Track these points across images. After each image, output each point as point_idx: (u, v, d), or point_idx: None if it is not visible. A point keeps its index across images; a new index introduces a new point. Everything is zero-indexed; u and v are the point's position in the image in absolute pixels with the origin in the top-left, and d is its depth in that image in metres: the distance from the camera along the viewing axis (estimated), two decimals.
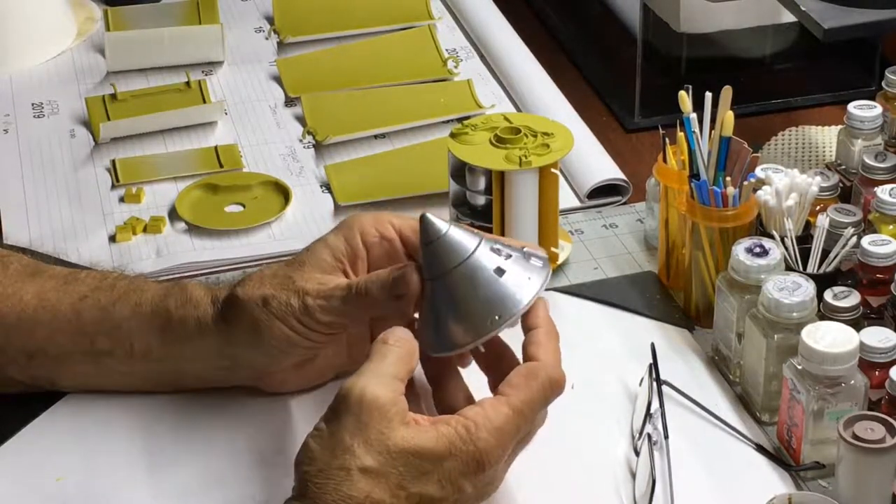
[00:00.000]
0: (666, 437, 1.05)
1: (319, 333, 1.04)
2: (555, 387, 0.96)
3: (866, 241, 1.11)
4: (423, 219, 0.99)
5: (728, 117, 1.15)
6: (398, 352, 0.94)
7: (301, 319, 1.02)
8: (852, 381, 1.01)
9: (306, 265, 1.04)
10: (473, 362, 1.04)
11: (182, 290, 1.08)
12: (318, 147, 1.46)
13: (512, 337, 1.01)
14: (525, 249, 1.00)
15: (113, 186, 1.40)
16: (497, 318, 0.97)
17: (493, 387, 1.01)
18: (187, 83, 1.55)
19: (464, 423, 0.92)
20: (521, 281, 0.98)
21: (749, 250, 1.09)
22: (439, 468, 0.91)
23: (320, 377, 1.10)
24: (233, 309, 1.05)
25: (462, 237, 0.99)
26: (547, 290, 1.23)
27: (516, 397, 0.94)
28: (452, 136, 1.23)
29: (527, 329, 0.99)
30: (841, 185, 1.24)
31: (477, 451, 0.92)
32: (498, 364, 1.01)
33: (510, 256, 0.99)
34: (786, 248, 1.12)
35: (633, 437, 1.07)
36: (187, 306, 1.07)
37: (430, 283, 0.99)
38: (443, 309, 0.98)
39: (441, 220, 0.99)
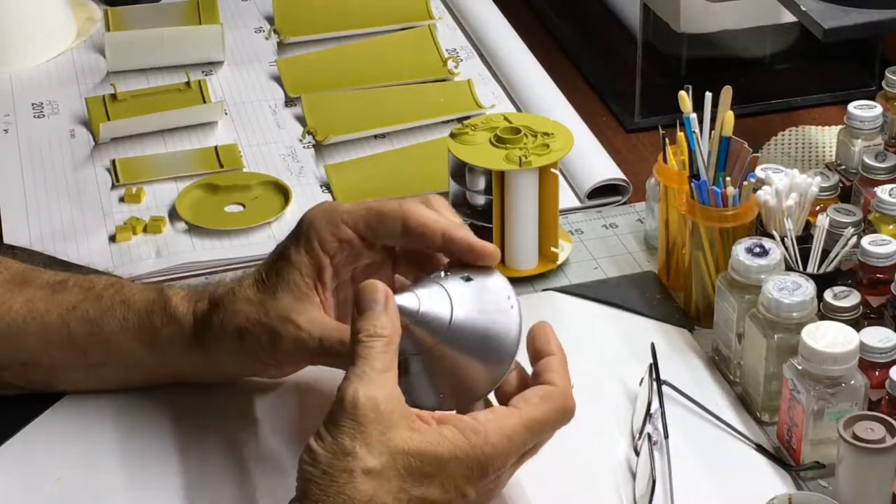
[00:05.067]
0: (666, 437, 1.05)
1: (294, 367, 1.06)
2: (566, 414, 0.96)
3: (866, 241, 1.10)
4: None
5: (728, 117, 1.15)
6: (378, 345, 0.92)
7: (274, 356, 1.03)
8: (852, 381, 1.01)
9: (279, 291, 1.03)
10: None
11: (165, 306, 1.07)
12: (318, 147, 1.46)
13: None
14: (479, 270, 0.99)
15: (113, 186, 1.40)
16: (503, 360, 0.97)
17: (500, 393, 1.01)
18: (187, 83, 1.55)
19: (472, 426, 0.92)
20: (504, 309, 0.97)
21: (749, 250, 1.09)
22: (442, 472, 0.91)
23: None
24: (210, 336, 1.05)
25: (433, 317, 0.96)
26: (546, 290, 1.24)
27: (529, 413, 0.94)
28: (452, 136, 1.23)
29: (540, 355, 0.98)
30: (841, 185, 1.24)
31: (483, 456, 0.91)
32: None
33: (478, 316, 0.97)
34: (786, 248, 1.12)
35: (633, 437, 1.07)
36: (172, 325, 1.06)
37: (418, 357, 0.97)
38: (440, 377, 0.97)
39: (410, 297, 0.96)
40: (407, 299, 0.96)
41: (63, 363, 1.09)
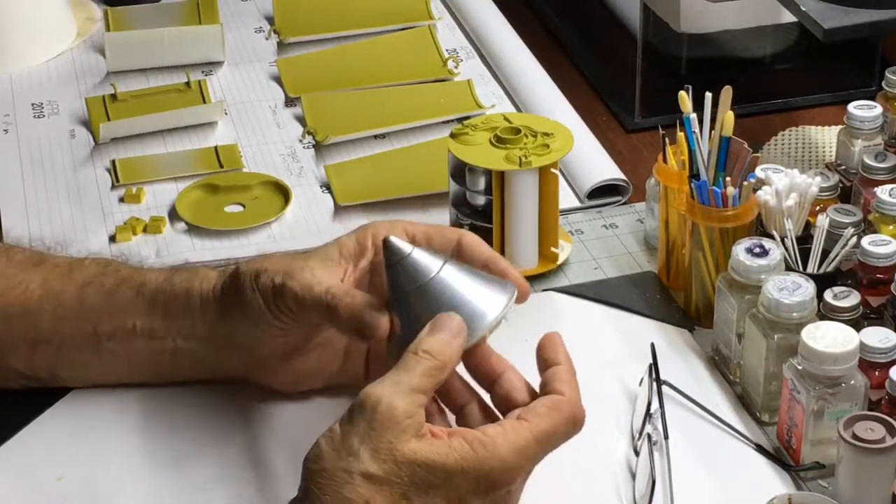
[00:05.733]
0: (666, 437, 1.05)
1: (289, 318, 1.04)
2: (577, 424, 0.96)
3: (866, 241, 1.11)
4: (385, 242, 0.99)
5: (728, 117, 1.15)
6: (426, 365, 0.93)
7: (275, 299, 1.03)
8: (852, 381, 1.01)
9: (311, 255, 1.04)
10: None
11: (191, 269, 1.10)
12: (318, 147, 1.46)
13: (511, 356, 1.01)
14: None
15: (113, 186, 1.40)
16: (473, 327, 0.97)
17: (497, 404, 1.00)
18: (187, 83, 1.55)
19: (481, 439, 0.91)
20: (489, 292, 0.98)
21: (749, 250, 1.10)
22: (448, 483, 0.90)
23: (311, 379, 1.10)
24: (232, 280, 1.06)
25: (426, 258, 0.98)
26: (546, 290, 1.24)
27: (539, 425, 0.93)
28: (452, 136, 1.23)
29: (548, 364, 0.98)
30: (841, 185, 1.24)
31: (491, 470, 0.91)
32: (497, 380, 1.00)
33: (473, 272, 0.99)
34: (786, 248, 1.12)
35: (633, 437, 1.07)
36: (193, 280, 1.08)
37: (397, 304, 0.98)
38: (414, 325, 0.97)
39: (405, 243, 0.99)
40: (401, 242, 0.98)
41: (72, 340, 1.09)
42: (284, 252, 1.08)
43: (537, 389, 0.98)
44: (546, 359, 0.98)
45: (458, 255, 1.04)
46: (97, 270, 1.11)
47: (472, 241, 1.05)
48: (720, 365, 1.14)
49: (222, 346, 1.08)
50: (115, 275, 1.10)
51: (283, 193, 1.38)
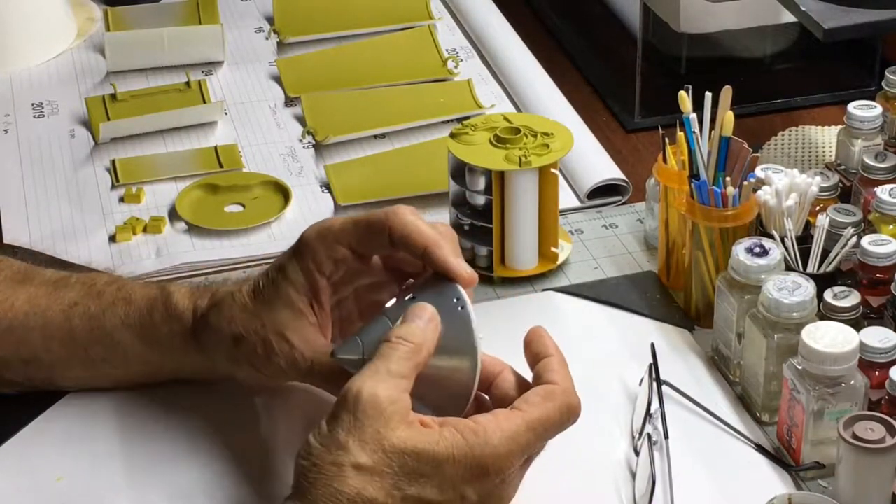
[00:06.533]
0: (666, 437, 1.05)
1: (286, 380, 1.05)
2: (571, 412, 0.96)
3: (866, 241, 1.11)
4: (335, 359, 0.98)
5: (728, 117, 1.15)
6: (402, 350, 0.93)
7: (267, 367, 1.03)
8: (852, 381, 1.01)
9: (275, 304, 1.03)
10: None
11: (166, 302, 1.08)
12: (318, 147, 1.46)
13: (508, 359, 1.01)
14: (435, 285, 0.99)
15: (113, 186, 1.40)
16: (466, 353, 0.97)
17: (496, 405, 0.99)
18: (187, 83, 1.55)
19: (472, 427, 0.91)
20: (454, 313, 0.97)
21: (749, 250, 1.09)
22: (439, 472, 0.90)
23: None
24: (206, 335, 1.05)
25: (376, 336, 0.96)
26: (546, 290, 1.24)
27: (531, 413, 0.93)
28: (452, 136, 1.23)
29: (538, 357, 0.98)
30: (841, 185, 1.24)
31: (482, 457, 0.91)
32: (494, 381, 1.00)
33: (414, 299, 0.98)
34: (786, 248, 1.12)
35: (633, 437, 1.07)
36: (172, 321, 1.07)
37: None
38: (420, 397, 0.95)
39: (349, 343, 0.97)
40: (346, 347, 0.98)
41: (65, 360, 1.09)
42: (242, 298, 1.04)
43: None
44: (536, 353, 0.98)
45: (392, 246, 1.01)
46: (83, 291, 1.10)
47: (403, 232, 1.00)
48: (720, 365, 1.14)
49: (219, 374, 1.09)
50: (100, 299, 1.09)
51: (283, 193, 1.38)
